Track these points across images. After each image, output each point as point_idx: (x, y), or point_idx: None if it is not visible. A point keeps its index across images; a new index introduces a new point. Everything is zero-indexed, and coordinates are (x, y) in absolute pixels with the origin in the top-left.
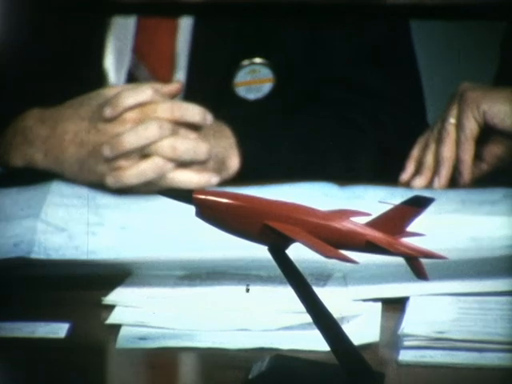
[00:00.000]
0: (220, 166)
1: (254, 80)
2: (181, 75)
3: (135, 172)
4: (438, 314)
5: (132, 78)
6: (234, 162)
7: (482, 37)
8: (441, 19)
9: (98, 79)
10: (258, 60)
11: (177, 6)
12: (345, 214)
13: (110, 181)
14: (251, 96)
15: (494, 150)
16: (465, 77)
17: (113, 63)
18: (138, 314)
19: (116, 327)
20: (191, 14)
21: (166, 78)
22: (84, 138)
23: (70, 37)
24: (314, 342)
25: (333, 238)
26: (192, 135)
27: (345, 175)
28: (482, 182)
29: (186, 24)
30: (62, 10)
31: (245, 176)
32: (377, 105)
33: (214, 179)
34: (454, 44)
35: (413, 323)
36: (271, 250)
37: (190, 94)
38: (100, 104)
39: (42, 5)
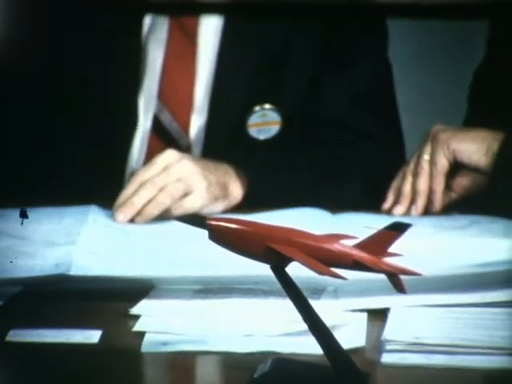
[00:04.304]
0: (224, 195)
1: (264, 122)
2: (200, 119)
3: (154, 203)
4: (415, 323)
5: (157, 121)
6: (237, 193)
7: (451, 79)
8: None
9: (128, 121)
10: (267, 106)
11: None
12: (335, 237)
13: (138, 220)
14: (261, 136)
15: (462, 182)
16: (434, 119)
17: (141, 107)
18: (160, 323)
19: (141, 334)
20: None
21: (186, 122)
22: None
23: (104, 76)
24: (310, 346)
25: (325, 257)
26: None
27: (335, 203)
28: (451, 208)
29: (204, 72)
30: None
31: (248, 204)
32: (365, 144)
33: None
34: (425, 92)
35: (393, 330)
36: (273, 268)
37: (210, 135)
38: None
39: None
